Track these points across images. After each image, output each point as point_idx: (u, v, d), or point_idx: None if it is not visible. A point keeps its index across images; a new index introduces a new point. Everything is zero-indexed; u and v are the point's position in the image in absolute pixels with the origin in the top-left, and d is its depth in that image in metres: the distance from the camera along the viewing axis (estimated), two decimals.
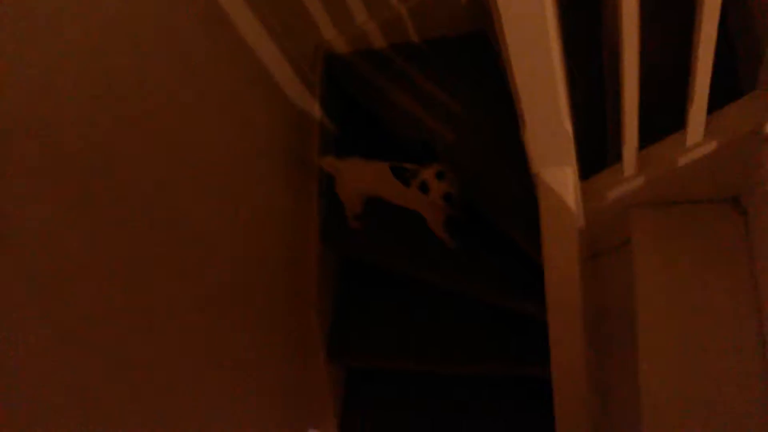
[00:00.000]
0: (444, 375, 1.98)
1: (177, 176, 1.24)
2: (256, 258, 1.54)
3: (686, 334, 1.22)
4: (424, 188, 1.46)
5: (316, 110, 1.86)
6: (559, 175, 1.14)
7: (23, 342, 0.87)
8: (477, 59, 1.80)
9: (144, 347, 1.12)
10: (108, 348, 1.03)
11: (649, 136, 1.16)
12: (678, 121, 1.11)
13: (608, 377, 1.46)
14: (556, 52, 0.92)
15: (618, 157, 1.17)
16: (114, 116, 1.06)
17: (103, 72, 1.04)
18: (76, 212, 0.97)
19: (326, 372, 1.87)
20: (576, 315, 1.31)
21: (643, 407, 1.16)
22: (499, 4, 0.83)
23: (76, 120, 0.98)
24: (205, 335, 1.31)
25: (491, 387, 1.93)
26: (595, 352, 1.47)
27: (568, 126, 1.05)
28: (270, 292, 1.60)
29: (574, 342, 1.35)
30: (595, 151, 1.33)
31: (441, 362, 1.86)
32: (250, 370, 1.50)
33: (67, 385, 0.94)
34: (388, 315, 1.92)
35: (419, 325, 1.88)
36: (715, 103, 1.08)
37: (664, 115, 1.15)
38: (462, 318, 1.85)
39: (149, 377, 1.13)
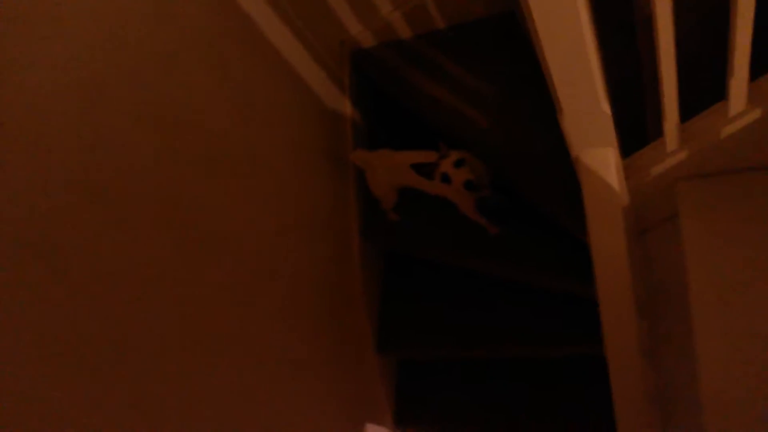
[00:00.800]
0: (496, 359, 1.98)
1: (219, 182, 1.26)
2: (299, 257, 1.56)
3: (743, 308, 1.19)
4: (445, 179, 1.49)
5: (346, 106, 1.87)
6: (600, 156, 1.13)
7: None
8: (506, 40, 1.78)
9: (195, 350, 1.15)
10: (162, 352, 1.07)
11: (689, 110, 1.14)
12: (719, 93, 1.08)
13: (665, 353, 1.45)
14: (588, 28, 0.90)
15: (659, 132, 1.15)
16: (155, 123, 1.09)
17: (142, 85, 1.06)
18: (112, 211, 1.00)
19: (378, 365, 1.89)
20: (627, 294, 1.30)
21: (703, 395, 1.13)
22: None
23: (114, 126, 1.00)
24: (257, 336, 1.33)
25: (546, 368, 1.93)
26: (651, 328, 1.45)
27: (605, 106, 1.03)
28: (316, 290, 1.63)
29: (627, 321, 1.34)
30: (635, 127, 1.30)
31: (490, 347, 1.86)
32: (303, 369, 1.52)
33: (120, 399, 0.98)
34: (434, 304, 1.93)
35: (466, 311, 1.88)
36: (756, 71, 1.05)
37: (704, 87, 1.12)
38: (509, 301, 1.85)
39: (205, 381, 1.16)
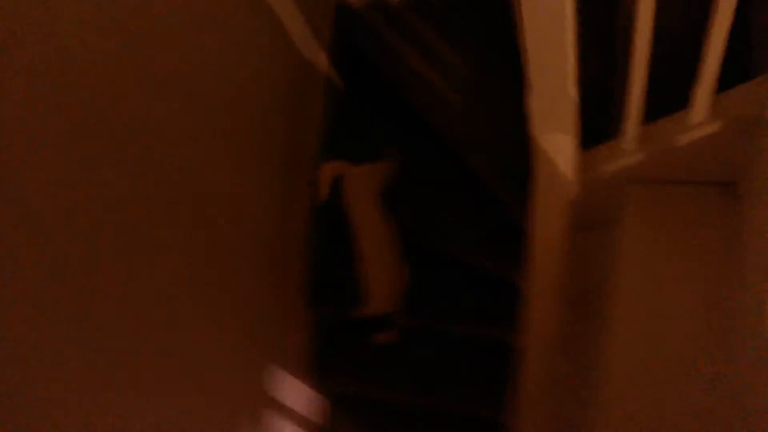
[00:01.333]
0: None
1: (176, 116, 1.21)
2: (253, 194, 1.53)
3: (656, 319, 1.22)
4: None
5: (323, 61, 1.82)
6: (558, 141, 1.12)
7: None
8: (494, 16, 1.75)
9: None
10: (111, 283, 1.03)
11: (652, 115, 1.15)
12: (683, 102, 1.09)
13: (585, 351, 1.48)
14: (571, 11, 0.89)
15: (620, 131, 1.16)
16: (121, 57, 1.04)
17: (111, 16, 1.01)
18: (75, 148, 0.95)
19: (305, 320, 1.88)
20: (556, 283, 1.32)
21: (602, 379, 1.16)
22: None
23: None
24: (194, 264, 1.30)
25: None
26: (578, 327, 1.48)
27: (573, 92, 1.03)
28: (259, 237, 1.60)
29: (552, 310, 1.36)
30: (600, 125, 1.30)
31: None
32: (229, 310, 1.50)
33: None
34: None
35: None
36: (722, 87, 1.06)
37: (670, 94, 1.13)
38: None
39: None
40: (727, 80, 1.05)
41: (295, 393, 1.88)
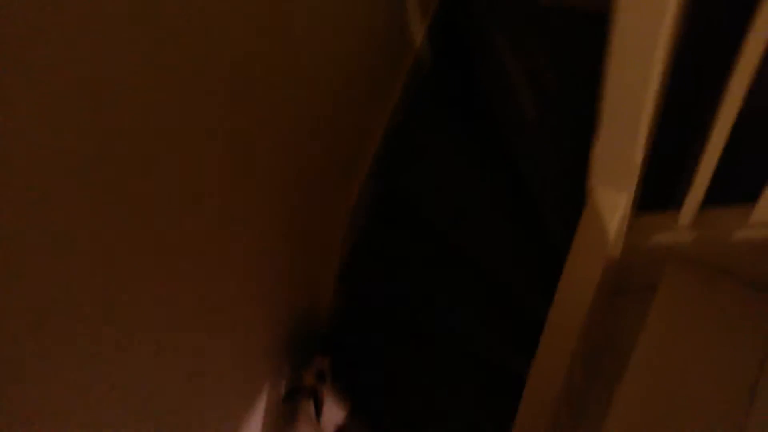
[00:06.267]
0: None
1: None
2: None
3: (668, 396, 1.20)
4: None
5: (419, 33, 1.82)
6: (612, 196, 1.11)
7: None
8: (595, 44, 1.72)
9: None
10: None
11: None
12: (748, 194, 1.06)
13: (590, 412, 1.45)
14: (658, 73, 0.88)
15: (678, 205, 1.13)
16: None
17: None
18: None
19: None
20: (573, 336, 1.30)
21: None
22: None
23: None
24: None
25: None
26: (586, 380, 1.45)
27: (639, 151, 1.01)
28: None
29: (561, 361, 1.34)
30: (658, 192, 1.27)
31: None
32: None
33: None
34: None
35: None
36: None
37: (736, 183, 1.09)
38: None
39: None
40: None
41: None
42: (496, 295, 1.70)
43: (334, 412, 1.77)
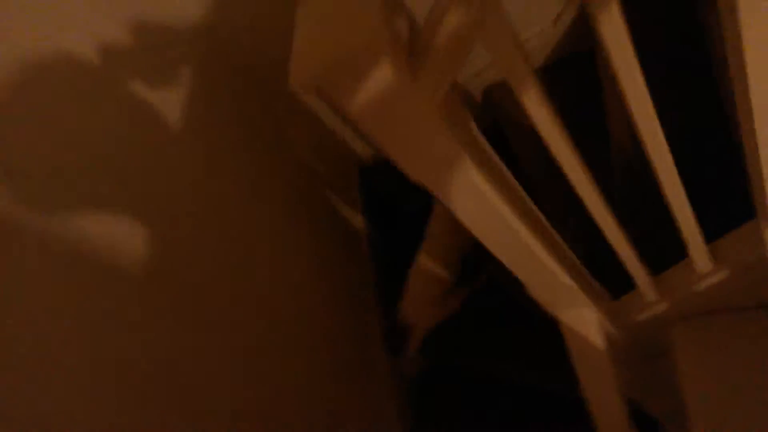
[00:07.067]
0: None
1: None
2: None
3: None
4: None
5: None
6: (576, 315, 1.17)
7: None
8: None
9: None
10: None
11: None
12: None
13: None
14: (519, 221, 0.95)
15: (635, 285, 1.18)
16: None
17: None
18: None
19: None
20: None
21: None
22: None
23: None
24: None
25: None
26: None
27: (566, 279, 1.08)
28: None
29: None
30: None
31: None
32: None
33: None
34: None
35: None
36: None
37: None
38: None
39: None
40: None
41: None
42: None
43: None
